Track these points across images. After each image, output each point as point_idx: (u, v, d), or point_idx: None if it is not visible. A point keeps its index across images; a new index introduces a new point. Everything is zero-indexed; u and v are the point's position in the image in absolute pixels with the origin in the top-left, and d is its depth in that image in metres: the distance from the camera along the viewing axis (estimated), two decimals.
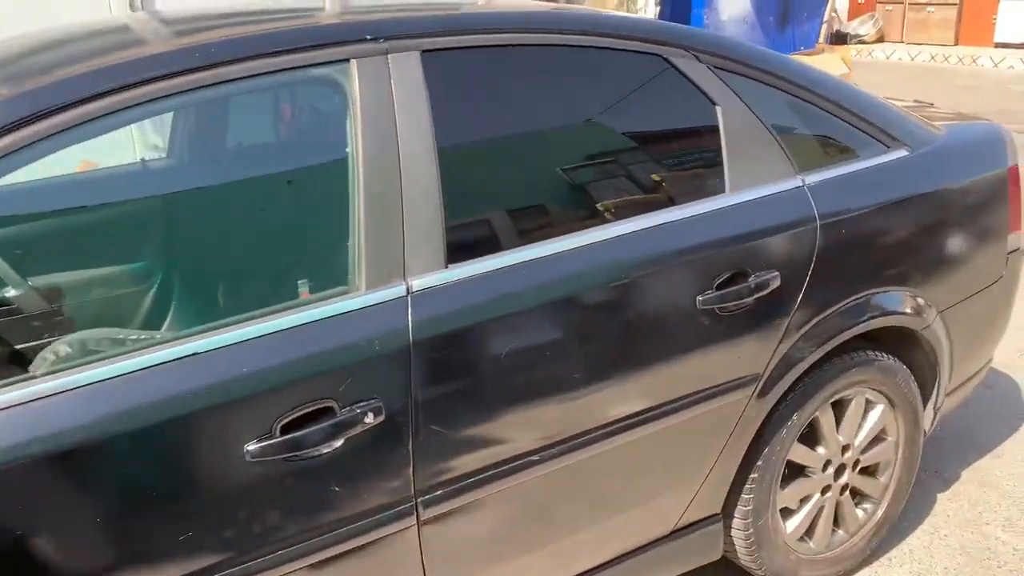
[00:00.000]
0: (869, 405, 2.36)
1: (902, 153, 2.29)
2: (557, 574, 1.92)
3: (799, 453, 2.24)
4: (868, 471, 2.44)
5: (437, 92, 1.68)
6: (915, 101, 3.07)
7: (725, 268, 1.92)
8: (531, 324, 1.71)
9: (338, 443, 1.51)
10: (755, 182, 2.02)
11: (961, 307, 2.43)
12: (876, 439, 2.41)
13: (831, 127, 2.21)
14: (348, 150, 1.59)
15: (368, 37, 1.64)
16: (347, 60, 1.61)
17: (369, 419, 1.51)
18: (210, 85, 1.47)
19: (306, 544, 1.52)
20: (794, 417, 2.16)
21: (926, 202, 2.30)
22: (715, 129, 1.99)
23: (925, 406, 2.51)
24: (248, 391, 1.44)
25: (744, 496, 2.17)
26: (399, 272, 1.59)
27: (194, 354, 1.42)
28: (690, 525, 2.10)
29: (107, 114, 1.41)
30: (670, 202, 1.91)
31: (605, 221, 1.82)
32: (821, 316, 2.09)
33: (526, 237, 1.74)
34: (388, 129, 1.61)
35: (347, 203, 1.58)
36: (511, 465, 1.70)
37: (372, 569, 1.62)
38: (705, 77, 1.99)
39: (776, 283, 1.98)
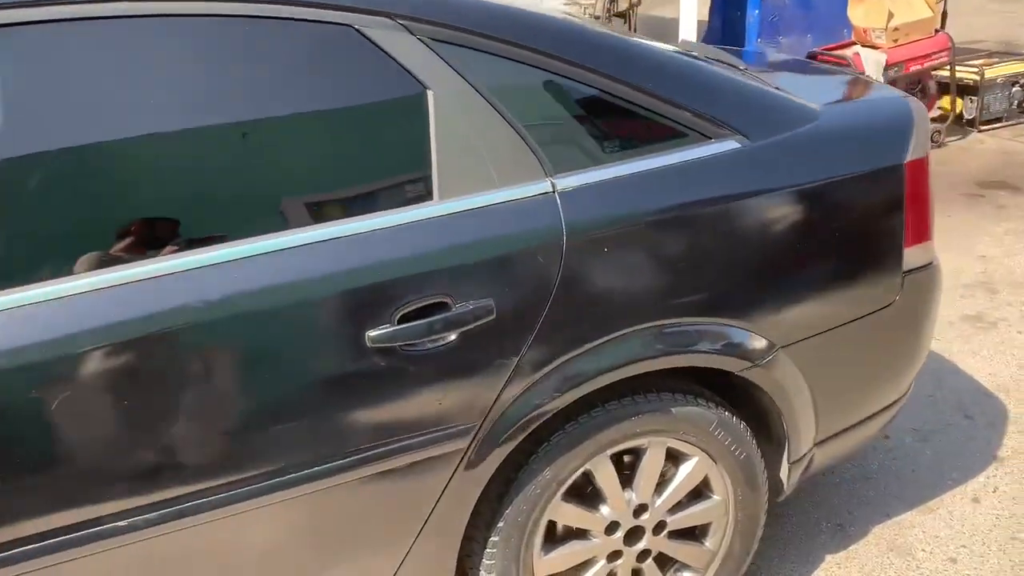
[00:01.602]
0: (681, 458, 1.91)
1: (730, 145, 1.78)
2: None
3: (565, 513, 1.83)
4: (687, 534, 2.00)
5: None
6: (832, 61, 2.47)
7: (411, 297, 1.53)
8: (100, 370, 1.38)
9: None
10: (479, 186, 1.60)
11: (825, 340, 1.92)
12: (696, 497, 1.97)
13: (620, 115, 1.74)
14: None
15: None
16: None
17: None
18: None
19: None
20: (546, 472, 1.75)
21: (756, 208, 1.79)
22: (424, 120, 1.58)
23: (782, 459, 2.03)
24: None
25: (486, 562, 1.80)
26: None
27: None
28: None
29: None
30: (342, 214, 1.53)
31: (233, 239, 1.45)
32: (571, 355, 1.67)
33: (114, 259, 1.40)
34: None
35: None
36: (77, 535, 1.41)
37: None
38: (415, 53, 1.57)
39: (489, 315, 1.58)
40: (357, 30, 1.55)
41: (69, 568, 1.40)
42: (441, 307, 1.55)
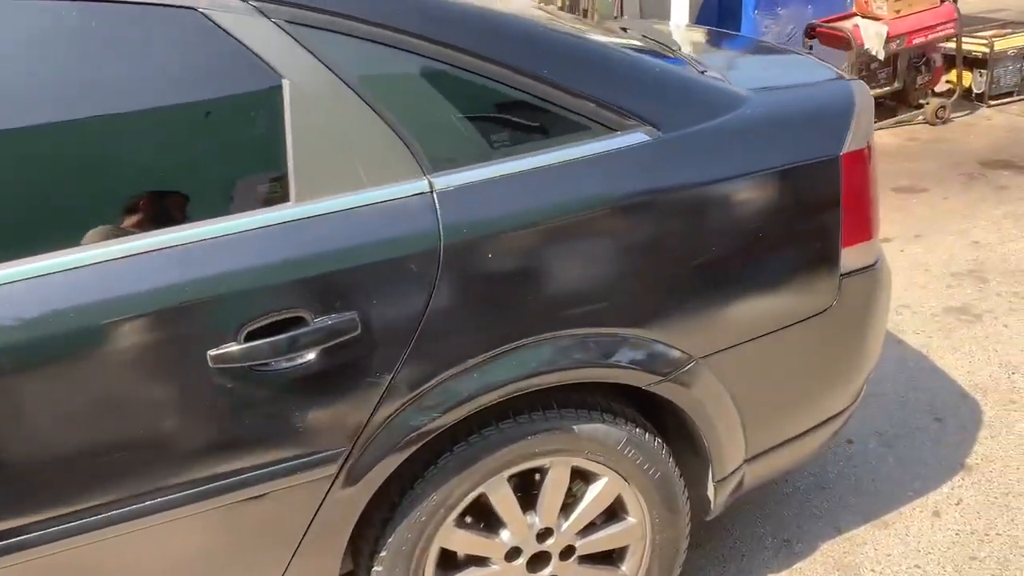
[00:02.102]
0: (591, 476, 1.76)
1: (638, 137, 1.61)
2: None
3: (458, 540, 1.69)
4: (602, 559, 1.85)
5: None
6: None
7: (259, 312, 1.38)
8: None
9: None
10: (344, 187, 1.44)
11: (751, 350, 1.75)
12: (611, 518, 1.82)
13: (512, 106, 1.56)
14: None
15: None
16: None
17: None
18: None
19: None
20: (433, 497, 1.61)
21: (666, 206, 1.62)
22: (278, 113, 1.42)
23: (707, 477, 1.87)
24: None
25: None
26: None
27: None
28: None
29: None
30: (180, 219, 1.37)
31: (50, 250, 1.29)
32: (452, 372, 1.51)
33: None
34: None
35: None
36: None
37: None
38: (268, 38, 1.41)
39: (353, 330, 1.42)
40: (203, 13, 1.39)
41: None
42: (297, 322, 1.40)
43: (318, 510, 1.52)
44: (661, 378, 1.66)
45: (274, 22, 1.42)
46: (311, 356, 1.42)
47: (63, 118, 1.33)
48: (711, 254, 1.67)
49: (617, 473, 1.75)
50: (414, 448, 1.54)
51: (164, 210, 1.38)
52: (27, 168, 1.32)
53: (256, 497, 1.47)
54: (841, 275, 1.80)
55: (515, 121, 1.58)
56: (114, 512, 1.38)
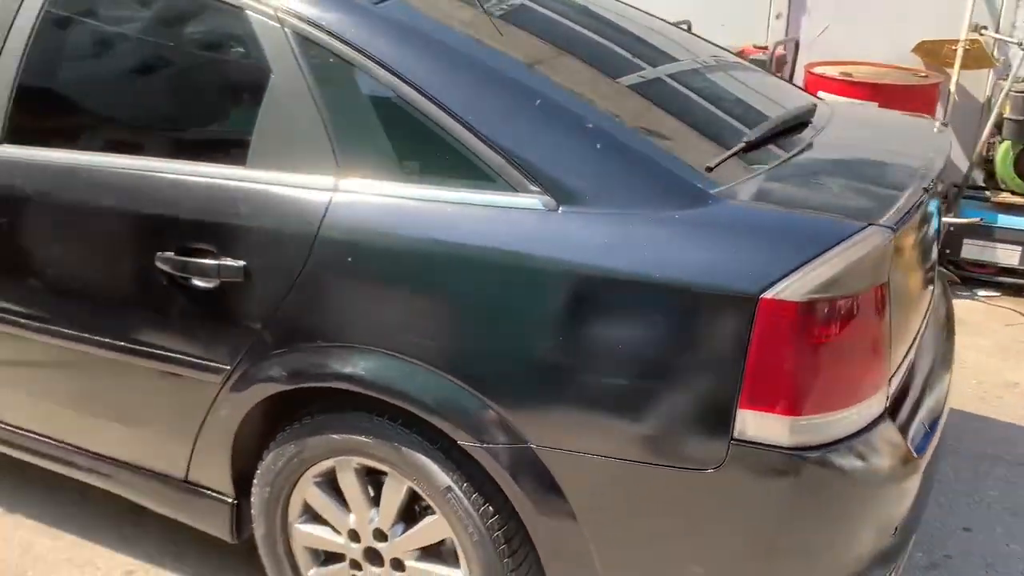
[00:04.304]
0: (427, 511, 1.79)
1: (531, 203, 1.59)
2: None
3: (313, 497, 1.91)
4: None
5: None
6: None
7: (189, 237, 1.82)
8: None
9: None
10: (279, 165, 1.78)
11: (602, 466, 1.58)
12: (447, 559, 1.83)
13: (430, 140, 1.67)
14: None
15: None
16: None
17: None
18: None
19: None
20: (291, 446, 1.87)
21: (528, 275, 1.57)
22: (259, 99, 1.81)
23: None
24: None
25: (255, 500, 2.00)
26: None
27: None
28: (201, 487, 2.05)
29: None
30: (173, 153, 1.92)
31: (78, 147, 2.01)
32: (303, 346, 1.75)
33: None
34: None
35: None
36: None
37: None
38: (275, 42, 1.79)
39: (238, 276, 1.77)
40: (248, 15, 1.84)
41: None
42: (210, 254, 1.81)
43: (211, 406, 1.91)
44: (479, 443, 1.63)
45: (285, 29, 1.79)
46: (212, 284, 1.81)
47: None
48: (567, 343, 1.56)
49: (443, 516, 1.76)
50: (272, 392, 1.81)
51: (156, 141, 1.94)
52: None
53: (173, 374, 1.93)
54: (734, 440, 1.47)
55: (428, 154, 1.71)
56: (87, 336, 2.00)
